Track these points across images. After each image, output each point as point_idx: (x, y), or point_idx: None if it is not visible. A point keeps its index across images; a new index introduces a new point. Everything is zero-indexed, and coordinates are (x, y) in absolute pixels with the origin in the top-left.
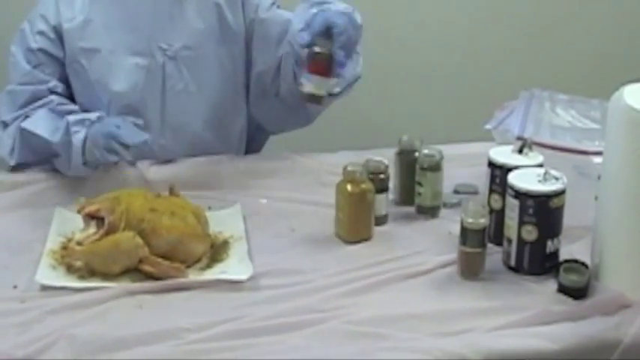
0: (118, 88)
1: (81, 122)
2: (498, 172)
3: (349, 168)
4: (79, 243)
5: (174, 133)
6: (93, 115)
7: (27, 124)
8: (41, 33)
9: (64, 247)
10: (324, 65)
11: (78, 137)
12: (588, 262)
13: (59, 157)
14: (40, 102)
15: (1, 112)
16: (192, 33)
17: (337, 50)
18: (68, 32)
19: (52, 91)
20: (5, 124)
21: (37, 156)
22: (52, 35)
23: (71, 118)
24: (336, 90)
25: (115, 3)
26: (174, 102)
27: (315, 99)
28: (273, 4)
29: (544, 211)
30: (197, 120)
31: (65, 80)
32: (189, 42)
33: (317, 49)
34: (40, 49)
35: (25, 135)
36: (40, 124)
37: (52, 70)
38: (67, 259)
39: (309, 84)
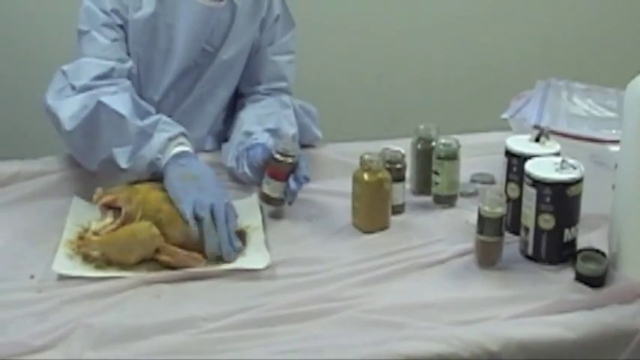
0: (161, 88)
1: (171, 124)
2: (515, 161)
3: (366, 157)
4: (96, 233)
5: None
6: (187, 131)
7: (107, 99)
8: (116, 12)
9: (81, 237)
10: (282, 172)
11: (162, 135)
12: (606, 250)
13: (120, 146)
14: (117, 80)
15: (73, 76)
16: (237, 41)
17: (291, 181)
18: (133, 21)
19: (129, 75)
20: (73, 88)
21: (97, 133)
22: (126, 16)
23: (165, 117)
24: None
25: (181, 2)
26: (196, 101)
27: (271, 200)
28: (291, 53)
29: (561, 199)
30: (207, 123)
31: None
32: (232, 49)
33: (278, 156)
34: (119, 25)
35: (101, 108)
36: (122, 104)
37: (125, 48)
38: (84, 248)
39: (267, 186)
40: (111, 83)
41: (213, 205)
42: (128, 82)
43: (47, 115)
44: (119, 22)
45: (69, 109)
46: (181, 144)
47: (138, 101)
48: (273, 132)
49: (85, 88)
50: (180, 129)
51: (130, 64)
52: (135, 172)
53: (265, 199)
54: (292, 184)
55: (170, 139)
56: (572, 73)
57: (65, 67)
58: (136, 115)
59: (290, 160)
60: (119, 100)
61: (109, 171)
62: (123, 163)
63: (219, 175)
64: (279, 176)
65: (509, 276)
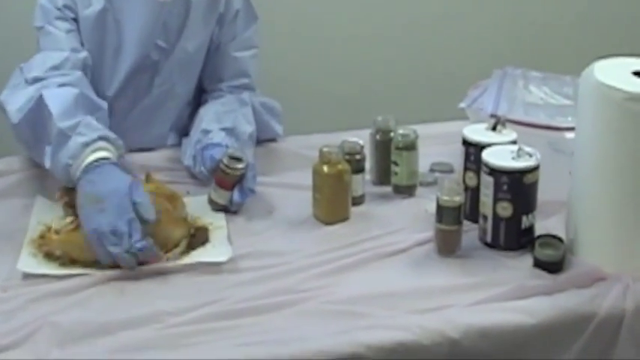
0: (114, 84)
1: (91, 127)
2: (473, 150)
3: (325, 149)
4: (57, 232)
5: (143, 128)
6: (112, 135)
7: (47, 93)
8: (68, 7)
9: (42, 236)
10: (227, 182)
11: (77, 140)
12: (563, 236)
13: (49, 144)
14: (69, 71)
15: (27, 70)
16: (194, 37)
17: (235, 193)
18: (82, 18)
19: (84, 65)
20: (26, 81)
21: (42, 125)
22: (73, 15)
23: (88, 118)
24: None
25: None
26: (156, 98)
27: (217, 206)
28: (254, 48)
29: (518, 187)
30: (169, 119)
31: None
32: (189, 45)
33: (224, 167)
34: (73, 19)
35: (40, 103)
36: (58, 100)
37: (80, 39)
38: (46, 247)
39: (214, 192)
40: (62, 74)
41: (115, 228)
42: (79, 74)
43: (1, 112)
44: (71, 15)
45: (17, 102)
46: (99, 149)
47: (87, 95)
48: (230, 131)
49: (36, 80)
50: (99, 132)
51: (84, 53)
52: (55, 174)
53: (212, 204)
54: (236, 195)
55: (86, 145)
56: (528, 62)
57: (23, 64)
58: (69, 114)
59: (236, 172)
60: (59, 95)
61: None
62: (47, 163)
63: (178, 172)
64: (224, 185)
65: (469, 263)
